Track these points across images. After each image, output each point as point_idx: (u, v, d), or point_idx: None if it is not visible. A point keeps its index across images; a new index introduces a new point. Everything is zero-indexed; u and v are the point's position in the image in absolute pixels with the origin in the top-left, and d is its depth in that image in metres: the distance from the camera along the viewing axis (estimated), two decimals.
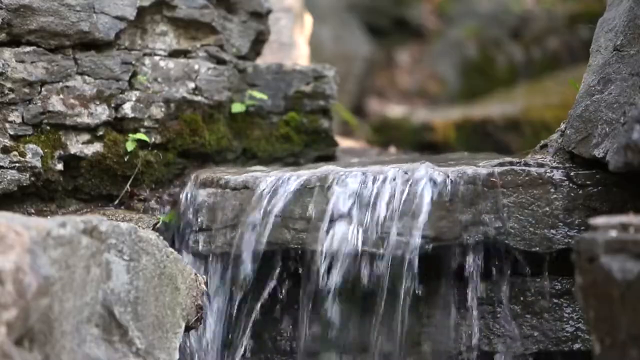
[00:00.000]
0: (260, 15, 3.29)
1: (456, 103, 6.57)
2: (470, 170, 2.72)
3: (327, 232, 2.70)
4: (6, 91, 2.84)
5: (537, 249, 2.68)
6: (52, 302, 2.02)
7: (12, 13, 2.84)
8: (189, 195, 2.90)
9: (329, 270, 2.69)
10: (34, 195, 2.93)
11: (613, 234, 1.97)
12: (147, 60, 3.07)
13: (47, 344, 2.03)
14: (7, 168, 2.82)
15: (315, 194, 2.75)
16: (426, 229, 2.66)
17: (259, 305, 2.79)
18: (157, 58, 3.09)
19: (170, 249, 2.36)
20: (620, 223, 1.99)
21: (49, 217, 2.83)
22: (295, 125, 3.25)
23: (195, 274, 2.43)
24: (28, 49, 2.88)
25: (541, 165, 2.75)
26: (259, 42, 3.32)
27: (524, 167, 2.72)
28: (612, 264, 1.93)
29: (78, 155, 2.96)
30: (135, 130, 3.02)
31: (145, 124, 3.04)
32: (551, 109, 5.34)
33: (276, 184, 2.79)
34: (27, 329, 1.96)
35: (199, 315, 2.42)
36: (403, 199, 2.69)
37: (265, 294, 2.78)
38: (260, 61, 3.37)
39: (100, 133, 2.98)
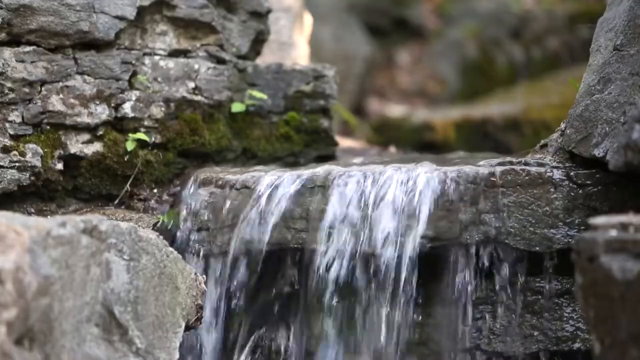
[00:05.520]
0: (260, 15, 3.29)
1: (456, 103, 6.56)
2: (470, 169, 2.72)
3: (327, 231, 2.70)
4: (6, 91, 2.84)
5: (537, 248, 2.68)
6: (52, 302, 2.02)
7: (12, 13, 2.84)
8: (188, 195, 2.90)
9: (328, 269, 2.69)
10: (34, 195, 2.93)
11: (613, 233, 1.97)
12: (147, 60, 3.07)
13: (47, 344, 2.03)
14: (7, 167, 2.82)
15: (315, 193, 2.75)
16: (426, 228, 2.66)
17: (258, 304, 2.79)
18: (157, 58, 3.09)
19: (170, 249, 2.35)
20: (620, 222, 1.99)
21: (49, 216, 2.83)
22: (295, 125, 3.25)
23: (195, 274, 2.43)
24: (28, 48, 2.88)
25: (541, 164, 2.75)
26: (258, 42, 3.32)
27: (524, 167, 2.72)
28: (612, 263, 1.93)
29: (78, 155, 2.96)
30: (135, 130, 3.02)
31: (145, 123, 3.04)
32: (551, 109, 5.33)
33: (276, 183, 2.79)
34: (27, 328, 1.96)
35: (198, 314, 2.42)
36: (403, 198, 2.69)
37: (265, 293, 2.78)
38: (260, 61, 3.37)
39: (100, 133, 2.98)
